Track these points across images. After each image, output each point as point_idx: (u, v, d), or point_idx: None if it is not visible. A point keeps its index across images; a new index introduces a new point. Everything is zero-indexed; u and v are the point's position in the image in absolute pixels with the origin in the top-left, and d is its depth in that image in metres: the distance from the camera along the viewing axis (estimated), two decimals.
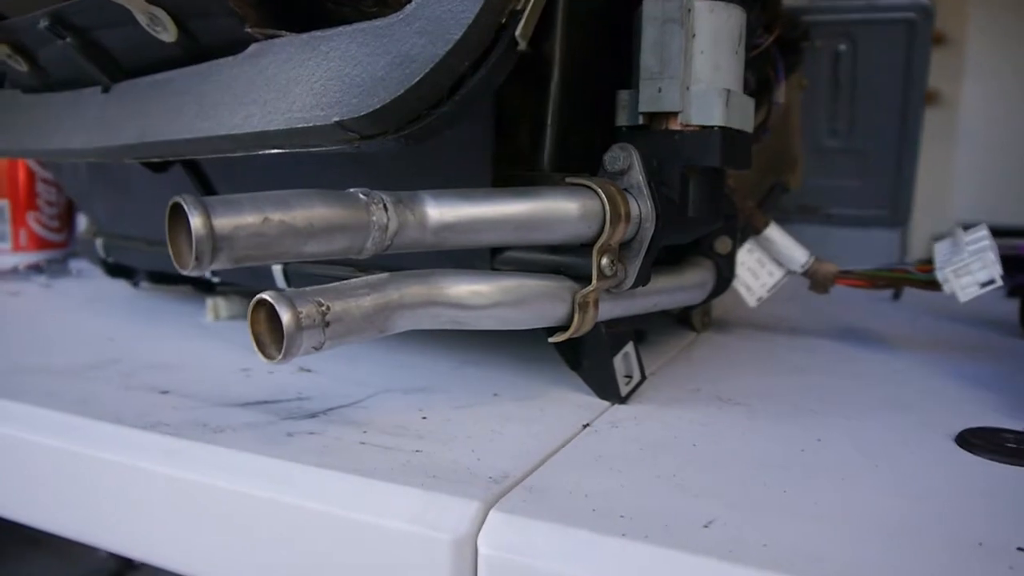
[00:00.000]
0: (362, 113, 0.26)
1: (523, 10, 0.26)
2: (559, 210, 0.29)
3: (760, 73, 0.45)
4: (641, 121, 0.34)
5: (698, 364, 0.43)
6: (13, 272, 0.68)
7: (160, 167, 0.42)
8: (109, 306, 0.56)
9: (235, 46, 0.32)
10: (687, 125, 0.33)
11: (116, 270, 0.58)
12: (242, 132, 0.30)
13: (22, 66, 0.42)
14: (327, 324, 0.25)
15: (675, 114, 0.33)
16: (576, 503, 0.25)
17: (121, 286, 0.61)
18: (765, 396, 0.37)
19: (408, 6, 0.27)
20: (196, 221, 0.22)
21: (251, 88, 0.30)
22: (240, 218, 0.23)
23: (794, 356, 0.45)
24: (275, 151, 0.30)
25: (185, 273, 0.23)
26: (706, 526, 0.24)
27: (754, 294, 0.47)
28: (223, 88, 0.31)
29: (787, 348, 0.47)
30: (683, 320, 0.50)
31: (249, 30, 0.31)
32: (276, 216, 0.23)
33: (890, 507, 0.25)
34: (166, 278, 0.57)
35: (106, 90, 0.38)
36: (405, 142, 0.27)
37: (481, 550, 0.24)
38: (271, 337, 0.25)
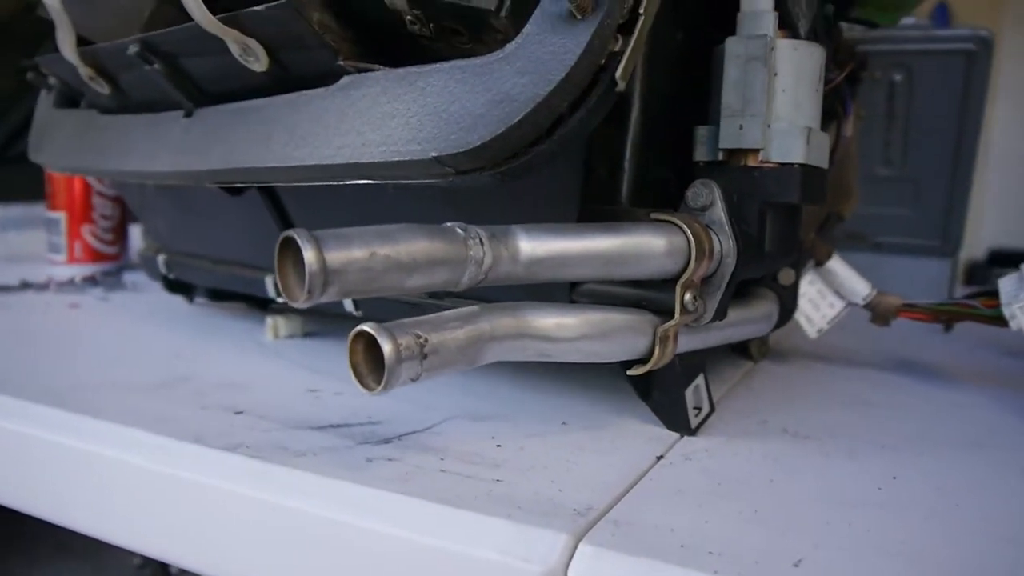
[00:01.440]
0: (461, 150, 0.27)
1: (622, 52, 0.27)
2: (646, 246, 0.29)
3: (828, 106, 0.46)
4: (720, 157, 0.34)
5: (760, 395, 0.43)
6: (70, 284, 0.69)
7: (237, 191, 0.42)
8: (169, 320, 0.57)
9: (325, 78, 0.32)
10: (766, 162, 0.33)
11: (175, 286, 0.59)
12: (334, 162, 0.30)
13: (104, 88, 0.43)
14: (424, 356, 0.25)
15: (755, 151, 0.33)
16: (664, 538, 0.26)
17: (177, 301, 0.62)
18: (834, 430, 0.37)
19: (508, 45, 0.27)
20: (309, 255, 0.23)
21: (343, 119, 0.31)
22: (350, 252, 0.23)
23: (855, 387, 0.45)
24: (363, 182, 0.31)
25: (296, 306, 0.24)
26: (796, 565, 0.24)
27: (815, 325, 0.47)
28: (314, 118, 0.32)
29: (846, 379, 0.47)
30: (739, 349, 0.50)
31: (342, 63, 0.31)
32: (383, 251, 0.24)
33: (978, 547, 0.25)
34: (224, 295, 0.58)
35: (188, 114, 0.39)
36: (501, 179, 0.28)
37: None
38: (368, 367, 0.26)
